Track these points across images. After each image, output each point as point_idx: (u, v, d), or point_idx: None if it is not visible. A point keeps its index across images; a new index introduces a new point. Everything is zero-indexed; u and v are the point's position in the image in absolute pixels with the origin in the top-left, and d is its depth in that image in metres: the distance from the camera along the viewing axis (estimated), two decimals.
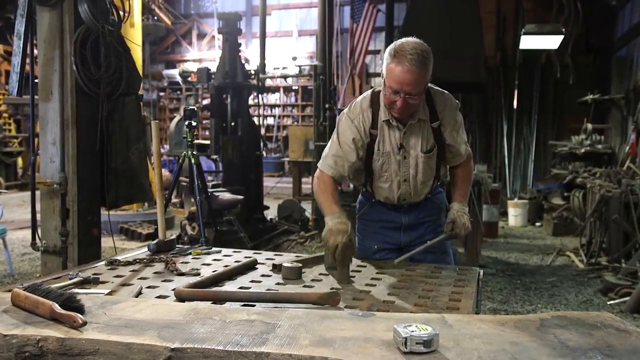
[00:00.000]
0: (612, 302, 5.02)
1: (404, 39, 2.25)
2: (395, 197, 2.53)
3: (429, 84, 2.44)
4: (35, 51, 3.98)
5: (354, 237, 2.23)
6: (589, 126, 9.23)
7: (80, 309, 1.44)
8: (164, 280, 2.01)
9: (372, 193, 2.59)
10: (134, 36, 6.83)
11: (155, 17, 16.06)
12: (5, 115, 13.12)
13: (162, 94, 19.17)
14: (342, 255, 2.05)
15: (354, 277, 2.09)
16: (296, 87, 17.86)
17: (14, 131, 13.50)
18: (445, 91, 2.50)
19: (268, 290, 1.90)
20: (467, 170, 2.61)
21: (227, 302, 1.72)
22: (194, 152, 4.55)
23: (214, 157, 7.63)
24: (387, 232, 2.59)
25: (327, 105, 8.24)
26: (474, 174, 2.88)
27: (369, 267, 2.29)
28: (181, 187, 8.70)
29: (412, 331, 1.23)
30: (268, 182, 9.64)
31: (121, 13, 4.05)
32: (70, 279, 1.93)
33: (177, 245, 2.52)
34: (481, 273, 2.23)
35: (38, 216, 3.97)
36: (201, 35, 19.01)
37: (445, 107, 2.44)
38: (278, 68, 15.72)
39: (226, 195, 6.05)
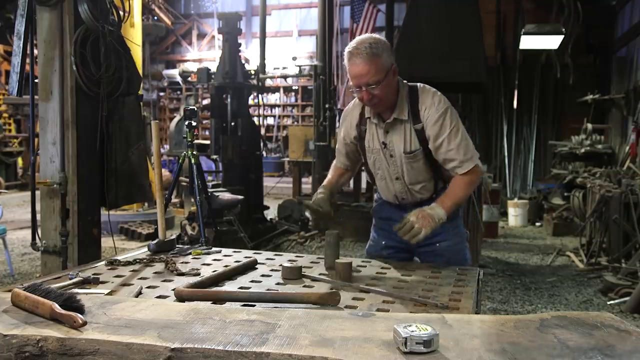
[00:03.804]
0: (612, 302, 5.02)
1: (355, 39, 2.34)
2: (392, 195, 2.54)
3: (421, 84, 2.43)
4: (35, 51, 3.98)
5: (322, 198, 2.51)
6: (589, 126, 9.22)
7: (80, 309, 1.44)
8: (164, 280, 2.01)
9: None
10: (134, 36, 6.83)
11: (155, 17, 16.06)
12: (5, 115, 13.11)
13: (162, 94, 19.17)
14: (311, 208, 2.48)
15: (354, 277, 2.09)
16: (296, 87, 17.85)
17: (14, 131, 13.50)
18: (434, 91, 2.39)
19: (268, 290, 1.90)
20: (462, 181, 2.35)
21: (227, 302, 1.72)
22: (194, 152, 4.54)
23: (214, 157, 7.62)
24: (395, 231, 2.59)
25: (327, 105, 8.25)
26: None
27: (369, 267, 2.30)
28: (181, 187, 8.70)
29: (412, 331, 1.23)
30: (268, 182, 9.65)
31: (121, 13, 4.05)
32: (70, 279, 1.92)
33: (177, 245, 2.52)
34: (481, 273, 2.23)
35: (38, 216, 3.97)
36: (201, 35, 19.01)
37: (429, 107, 2.33)
38: (278, 68, 15.71)
39: (226, 195, 6.05)
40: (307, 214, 2.52)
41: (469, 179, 2.36)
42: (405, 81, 2.44)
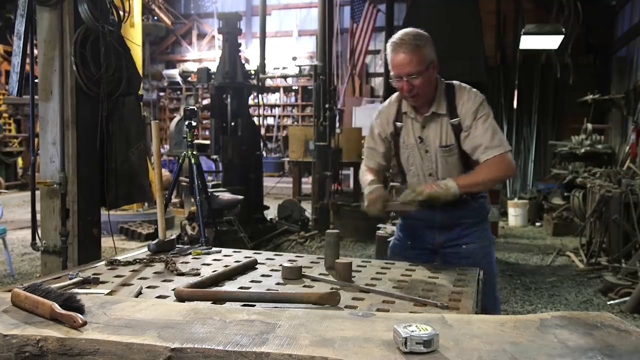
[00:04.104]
0: (612, 302, 5.02)
1: (400, 31, 2.40)
2: None
3: (457, 82, 2.50)
4: (35, 51, 3.98)
5: (386, 193, 2.42)
6: (589, 126, 9.23)
7: (80, 309, 1.44)
8: (164, 280, 2.01)
9: None
10: (134, 36, 6.83)
11: (155, 17, 16.06)
12: (5, 115, 13.12)
13: (162, 94, 19.18)
14: (375, 203, 2.33)
15: (354, 277, 2.09)
16: (296, 87, 17.86)
17: (14, 131, 13.50)
18: (470, 87, 2.47)
19: (268, 290, 1.90)
20: (486, 165, 2.35)
21: (227, 302, 1.72)
22: (194, 152, 4.54)
23: (214, 157, 7.62)
24: (422, 231, 2.58)
25: (327, 105, 8.24)
26: None
27: (369, 267, 2.30)
28: (181, 187, 8.70)
29: (412, 331, 1.23)
30: (268, 182, 9.65)
31: (121, 13, 4.04)
32: (70, 279, 1.92)
33: (177, 245, 2.52)
34: (481, 273, 2.23)
35: (38, 216, 3.97)
36: (201, 35, 19.02)
37: (466, 102, 2.41)
38: (278, 68, 15.72)
39: (226, 195, 6.05)
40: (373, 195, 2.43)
41: (494, 164, 2.35)
42: (442, 79, 2.50)
